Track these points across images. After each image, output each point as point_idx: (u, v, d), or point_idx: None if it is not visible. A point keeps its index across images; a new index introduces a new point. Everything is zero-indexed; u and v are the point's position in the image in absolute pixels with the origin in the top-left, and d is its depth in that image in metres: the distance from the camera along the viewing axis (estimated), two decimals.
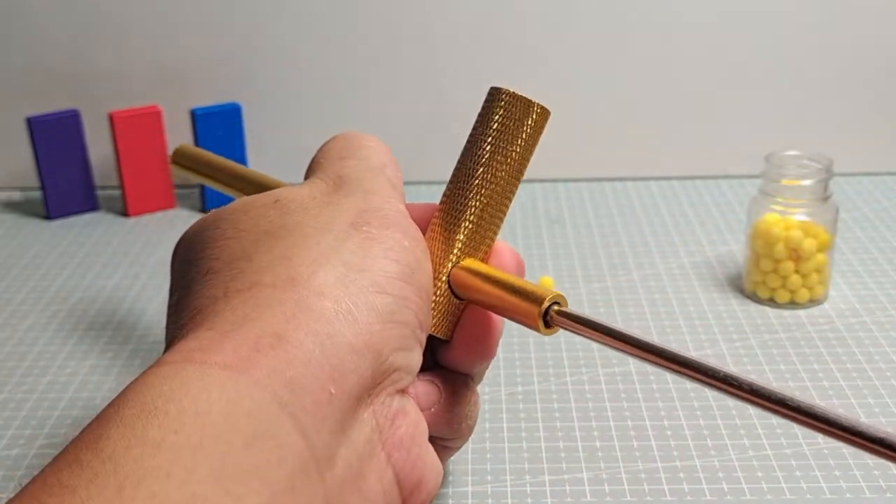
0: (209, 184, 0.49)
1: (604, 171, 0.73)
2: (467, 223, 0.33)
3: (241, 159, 0.69)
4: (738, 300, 0.53)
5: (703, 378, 0.28)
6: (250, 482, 0.23)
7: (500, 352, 0.47)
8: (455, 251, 0.33)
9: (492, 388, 0.46)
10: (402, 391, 0.30)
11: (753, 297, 0.53)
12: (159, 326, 0.52)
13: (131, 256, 0.62)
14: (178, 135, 0.71)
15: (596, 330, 0.30)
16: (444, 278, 0.33)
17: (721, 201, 0.68)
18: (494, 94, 0.34)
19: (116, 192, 0.72)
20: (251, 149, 0.71)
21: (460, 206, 0.33)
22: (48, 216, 0.69)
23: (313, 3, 0.69)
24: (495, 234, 0.34)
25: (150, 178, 0.69)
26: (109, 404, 0.25)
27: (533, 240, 0.63)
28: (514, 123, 0.34)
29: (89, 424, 0.24)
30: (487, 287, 0.32)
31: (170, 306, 0.31)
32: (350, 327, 0.28)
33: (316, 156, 0.36)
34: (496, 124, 0.34)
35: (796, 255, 0.51)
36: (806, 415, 0.26)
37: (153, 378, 0.25)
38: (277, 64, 0.71)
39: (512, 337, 0.49)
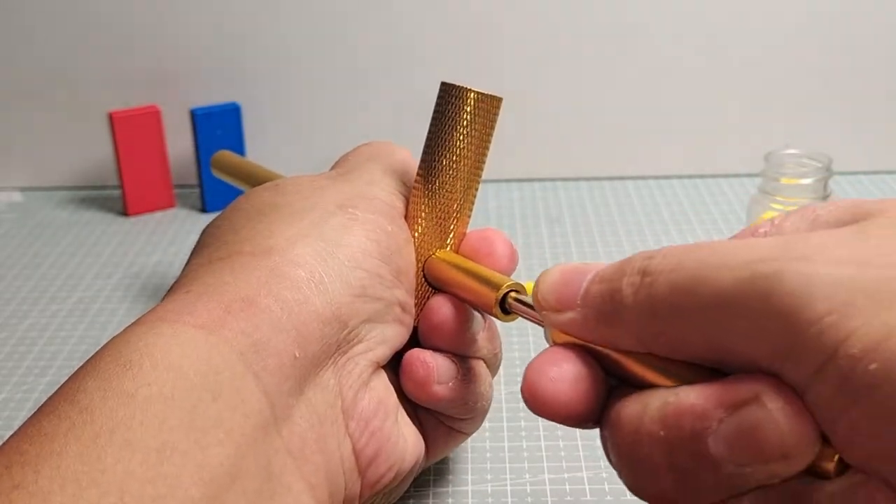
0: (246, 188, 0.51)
1: (604, 170, 0.73)
2: (441, 219, 0.35)
3: None
4: None
5: None
6: (217, 433, 0.25)
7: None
8: (433, 242, 0.35)
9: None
10: (376, 366, 0.32)
11: None
12: None
13: (117, 257, 0.62)
14: (179, 135, 0.71)
15: None
16: (421, 268, 0.35)
17: (721, 200, 0.68)
18: (452, 92, 0.35)
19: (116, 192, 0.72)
20: (251, 149, 0.71)
21: (434, 202, 0.35)
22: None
23: (313, 2, 0.69)
24: (466, 223, 0.36)
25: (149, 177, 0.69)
26: (88, 360, 0.26)
27: (533, 239, 0.63)
28: (481, 122, 0.35)
29: (68, 379, 0.26)
30: (454, 275, 0.34)
31: None
32: (320, 296, 0.30)
33: (345, 155, 0.38)
34: (463, 125, 0.35)
35: None
36: None
37: (129, 335, 0.27)
38: (277, 64, 0.71)
39: (511, 336, 0.49)
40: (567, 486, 0.39)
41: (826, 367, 0.21)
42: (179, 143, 0.72)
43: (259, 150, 0.72)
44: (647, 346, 0.25)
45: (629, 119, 0.72)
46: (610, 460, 0.26)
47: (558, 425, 0.42)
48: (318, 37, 0.70)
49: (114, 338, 0.27)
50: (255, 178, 0.52)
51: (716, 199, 0.68)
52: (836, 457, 0.22)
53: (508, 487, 0.39)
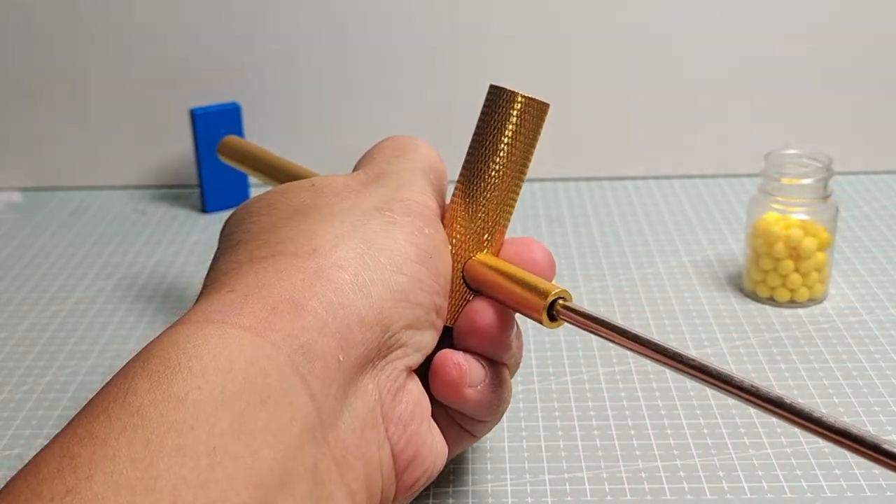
0: (254, 175, 0.50)
1: (604, 170, 0.73)
2: (484, 221, 0.35)
3: None
4: (737, 299, 0.53)
5: (704, 377, 0.28)
6: (265, 437, 0.25)
7: None
8: (473, 245, 0.35)
9: None
10: (409, 370, 0.32)
11: (753, 296, 0.53)
12: (165, 324, 0.52)
13: (117, 258, 0.62)
14: (178, 135, 0.71)
15: (599, 325, 0.31)
16: (460, 270, 0.35)
17: (721, 200, 0.68)
18: (501, 95, 0.35)
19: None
20: None
21: (477, 205, 0.35)
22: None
23: (313, 2, 0.69)
24: (506, 227, 0.36)
25: None
26: (134, 359, 0.26)
27: None
28: (528, 127, 0.35)
29: (114, 378, 0.26)
30: (499, 280, 0.34)
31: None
32: (363, 300, 0.29)
33: (368, 152, 0.38)
34: (511, 129, 0.35)
35: (796, 253, 0.51)
36: (807, 420, 0.26)
37: (176, 336, 0.26)
38: (277, 64, 0.71)
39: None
40: (567, 487, 0.39)
41: None
42: (179, 143, 0.72)
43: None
44: None
45: (629, 119, 0.72)
46: None
47: (559, 426, 0.42)
48: (319, 37, 0.70)
49: (159, 336, 0.27)
50: (264, 164, 0.52)
51: (716, 199, 0.68)
52: None
53: (508, 488, 0.39)
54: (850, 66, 0.70)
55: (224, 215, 0.68)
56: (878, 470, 0.39)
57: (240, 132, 0.69)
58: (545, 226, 0.65)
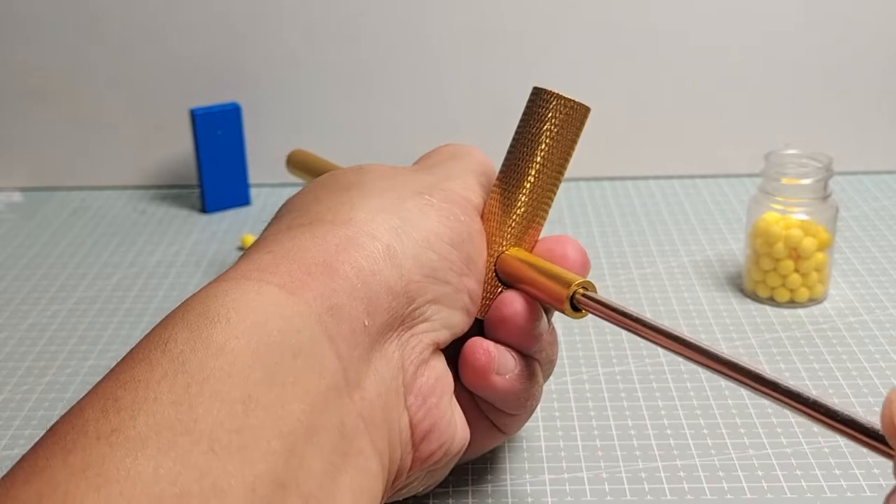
0: None
1: (604, 170, 0.73)
2: (519, 218, 0.36)
3: (241, 159, 0.69)
4: (737, 299, 0.53)
5: (720, 368, 0.29)
6: (295, 390, 0.26)
7: None
8: (506, 240, 0.36)
9: None
10: (436, 346, 0.33)
11: (753, 296, 0.53)
12: None
13: (117, 258, 0.62)
14: (178, 135, 0.71)
15: (619, 314, 0.32)
16: (492, 263, 0.35)
17: (721, 200, 0.68)
18: (546, 98, 0.36)
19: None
20: (251, 149, 0.71)
21: (512, 201, 0.36)
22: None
23: (314, 2, 0.69)
24: (541, 226, 0.37)
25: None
26: (173, 312, 0.28)
27: None
28: (568, 129, 0.36)
29: (154, 329, 0.27)
30: (527, 272, 0.35)
31: None
32: (393, 270, 0.31)
33: (428, 152, 0.40)
34: (551, 130, 0.36)
35: (796, 253, 0.51)
36: (820, 411, 0.27)
37: (216, 290, 0.28)
38: (278, 64, 0.71)
39: None
40: (567, 487, 0.39)
41: None
42: (179, 143, 0.72)
43: (259, 150, 0.72)
44: None
45: (629, 119, 0.72)
46: None
47: (558, 426, 0.42)
48: (319, 37, 0.70)
49: (199, 291, 0.28)
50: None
51: (716, 199, 0.68)
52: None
53: (508, 488, 0.39)
54: (850, 66, 0.70)
55: (224, 215, 0.69)
56: (877, 470, 0.39)
57: (240, 132, 0.69)
58: (545, 226, 0.64)
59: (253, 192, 0.71)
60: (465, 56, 0.70)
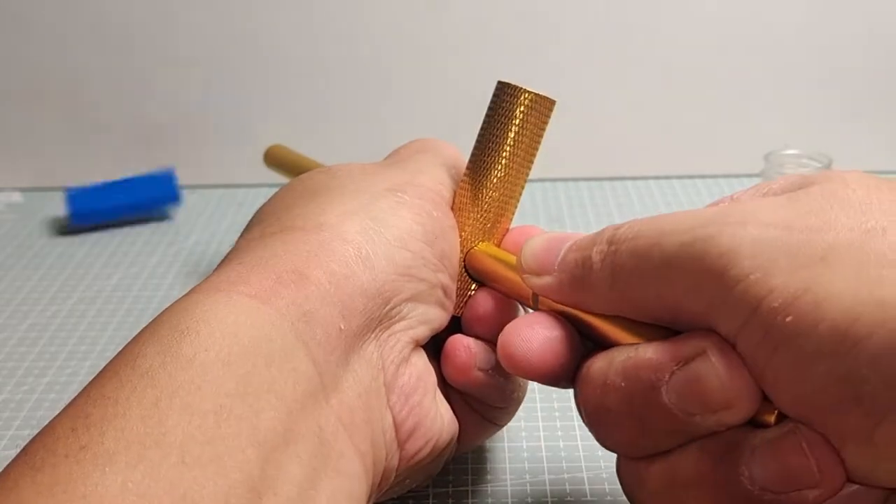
0: None
1: (604, 170, 0.73)
2: (487, 213, 0.36)
3: None
4: None
5: None
6: (269, 398, 0.26)
7: None
8: (475, 235, 0.36)
9: None
10: (415, 343, 0.33)
11: None
12: None
13: (117, 258, 0.62)
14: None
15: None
16: (462, 259, 0.35)
17: None
18: (508, 91, 0.36)
19: None
20: (251, 147, 0.71)
21: (481, 197, 0.36)
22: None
23: (314, 3, 0.69)
24: (510, 220, 0.37)
25: None
26: (145, 327, 0.28)
27: None
28: (534, 122, 0.36)
29: (126, 346, 0.27)
30: (494, 268, 0.35)
31: None
32: (366, 272, 0.31)
33: (397, 148, 0.40)
34: (517, 124, 0.35)
35: None
36: None
37: (186, 303, 0.28)
38: (278, 64, 0.71)
39: None
40: (567, 487, 0.39)
41: (751, 320, 0.24)
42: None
43: (259, 149, 0.72)
44: (614, 309, 0.29)
45: (629, 119, 0.72)
46: (581, 416, 0.29)
47: (558, 426, 0.42)
48: (319, 37, 0.70)
49: (170, 306, 0.28)
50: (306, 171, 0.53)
51: (716, 199, 0.68)
52: (776, 410, 0.25)
53: (508, 488, 0.39)
54: (850, 66, 0.70)
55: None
56: None
57: (174, 195, 0.67)
58: (545, 225, 0.65)
59: (253, 192, 0.71)
60: (467, 54, 0.70)
